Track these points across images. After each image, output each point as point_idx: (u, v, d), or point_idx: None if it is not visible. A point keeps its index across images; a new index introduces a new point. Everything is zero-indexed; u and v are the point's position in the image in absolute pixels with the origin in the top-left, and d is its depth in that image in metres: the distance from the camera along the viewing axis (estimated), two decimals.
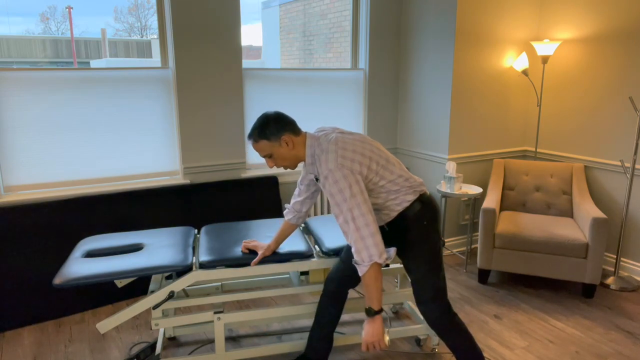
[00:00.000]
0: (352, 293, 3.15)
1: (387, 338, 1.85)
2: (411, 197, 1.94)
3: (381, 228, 2.04)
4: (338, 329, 2.75)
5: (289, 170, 3.65)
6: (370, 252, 1.77)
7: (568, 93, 3.66)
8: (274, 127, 1.89)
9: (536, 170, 3.60)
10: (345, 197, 1.76)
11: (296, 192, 2.21)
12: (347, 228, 1.79)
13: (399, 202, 1.93)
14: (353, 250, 1.80)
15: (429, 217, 1.97)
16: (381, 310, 1.84)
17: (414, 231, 1.95)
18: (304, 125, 3.72)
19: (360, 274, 1.81)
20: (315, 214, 3.72)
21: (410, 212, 1.94)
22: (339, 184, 1.77)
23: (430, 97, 3.74)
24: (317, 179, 1.98)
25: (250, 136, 1.94)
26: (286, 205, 2.28)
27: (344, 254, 2.18)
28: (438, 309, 1.99)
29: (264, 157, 1.96)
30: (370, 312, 1.83)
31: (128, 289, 3.07)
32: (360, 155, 1.84)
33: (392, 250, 1.86)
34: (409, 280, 2.08)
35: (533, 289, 3.24)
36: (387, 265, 2.81)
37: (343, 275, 2.15)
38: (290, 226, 2.24)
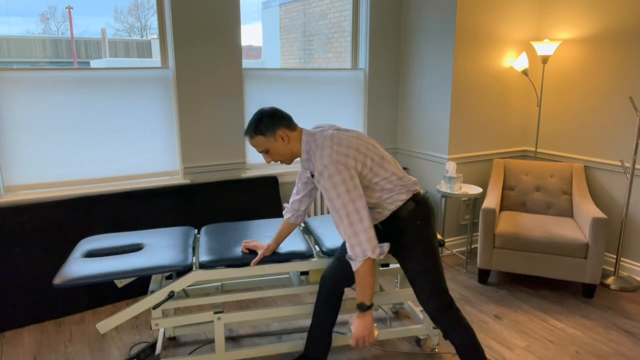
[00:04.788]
0: (352, 293, 3.15)
1: (376, 333, 1.86)
2: (404, 197, 1.94)
3: (375, 227, 2.03)
4: (338, 329, 2.75)
5: (289, 170, 3.65)
6: (364, 247, 1.77)
7: (568, 93, 3.66)
8: (269, 122, 1.90)
9: (536, 170, 3.60)
10: (339, 193, 1.76)
11: (294, 190, 2.21)
12: (340, 223, 1.79)
13: (392, 200, 1.93)
14: (347, 245, 1.80)
15: (422, 217, 1.96)
16: (372, 305, 1.85)
17: (408, 231, 1.96)
18: (304, 125, 3.72)
19: (354, 269, 1.82)
20: (315, 214, 3.72)
21: (403, 211, 1.94)
22: (333, 180, 1.77)
23: (430, 97, 3.74)
24: (312, 175, 1.98)
25: (247, 132, 1.95)
26: (285, 205, 2.28)
27: (338, 252, 2.18)
28: (438, 305, 1.99)
29: (260, 152, 1.97)
30: (363, 307, 1.84)
31: (128, 289, 3.07)
32: (355, 151, 1.84)
33: (386, 246, 1.85)
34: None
35: (533, 289, 3.24)
36: (387, 265, 2.81)
37: (338, 274, 2.16)
38: (289, 225, 2.24)
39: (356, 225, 1.76)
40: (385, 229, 2.00)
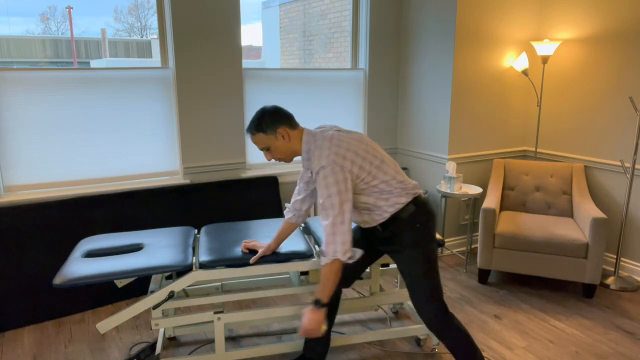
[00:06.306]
0: (352, 293, 3.16)
1: (324, 328, 1.90)
2: (404, 200, 1.95)
3: (374, 229, 2.04)
4: (338, 329, 2.75)
5: (289, 170, 3.65)
6: (336, 248, 1.82)
7: (568, 93, 3.66)
8: (270, 120, 1.93)
9: (536, 170, 3.60)
10: (330, 193, 1.80)
11: (296, 190, 2.22)
12: (324, 221, 1.84)
13: (392, 203, 1.94)
14: (323, 240, 1.85)
15: (422, 220, 1.96)
16: (327, 304, 1.89)
17: (407, 234, 1.96)
18: (304, 125, 3.72)
19: (321, 263, 1.87)
20: (316, 214, 3.72)
21: (403, 214, 1.95)
22: (328, 180, 1.81)
23: (430, 97, 3.74)
24: (312, 174, 2.00)
25: (248, 129, 1.98)
26: (286, 205, 2.28)
27: None
28: (433, 310, 2.00)
29: (261, 149, 2.00)
30: (318, 304, 1.87)
31: (128, 289, 3.07)
32: (353, 153, 1.86)
33: (358, 252, 1.90)
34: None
35: (533, 289, 3.24)
36: (387, 265, 2.82)
37: None
38: (290, 225, 2.24)
39: (337, 226, 1.81)
40: (385, 231, 2.00)
